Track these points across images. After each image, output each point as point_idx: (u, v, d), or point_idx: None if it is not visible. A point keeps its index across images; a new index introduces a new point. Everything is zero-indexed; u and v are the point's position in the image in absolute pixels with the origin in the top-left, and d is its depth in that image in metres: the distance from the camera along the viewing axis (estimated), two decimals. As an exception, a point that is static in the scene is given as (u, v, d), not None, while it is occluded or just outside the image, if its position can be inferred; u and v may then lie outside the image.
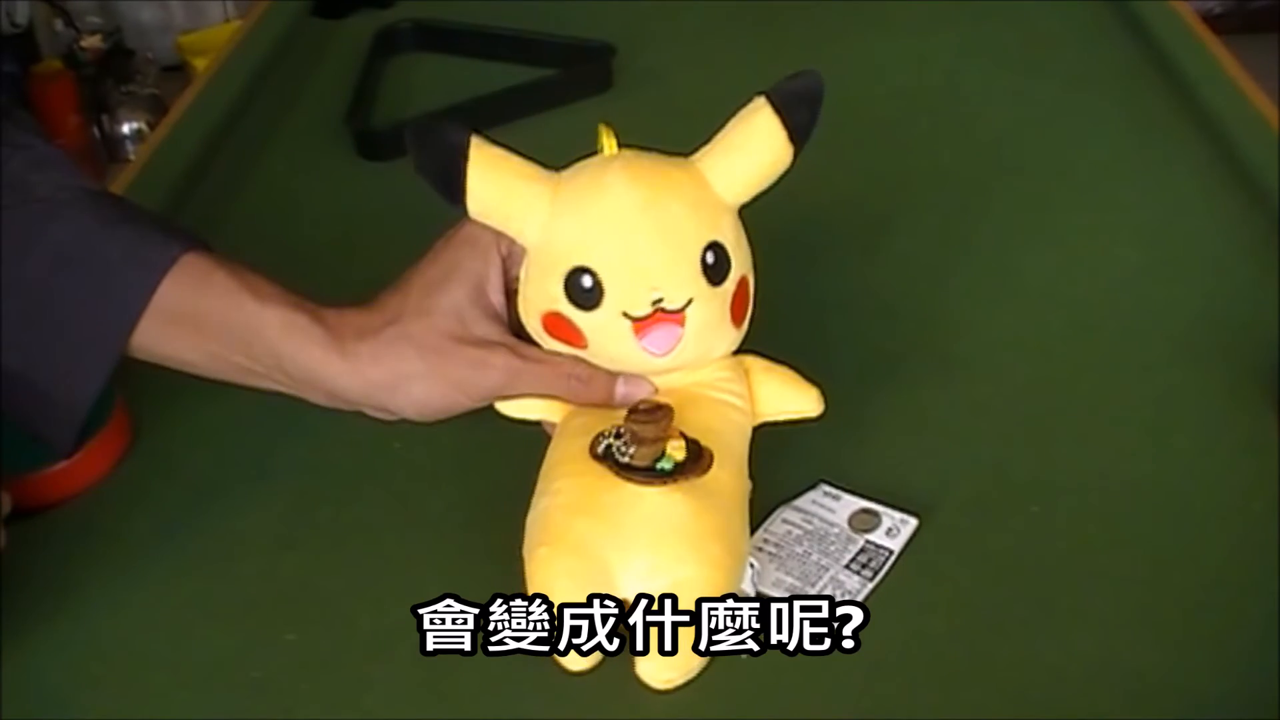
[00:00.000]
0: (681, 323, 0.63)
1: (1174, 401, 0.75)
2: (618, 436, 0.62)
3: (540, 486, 0.63)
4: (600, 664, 0.59)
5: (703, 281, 0.63)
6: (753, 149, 0.65)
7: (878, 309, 0.85)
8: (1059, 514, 0.68)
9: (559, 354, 0.66)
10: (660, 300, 0.63)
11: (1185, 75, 1.05)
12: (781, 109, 0.64)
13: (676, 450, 0.61)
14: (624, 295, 0.63)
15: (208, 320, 0.65)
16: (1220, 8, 2.90)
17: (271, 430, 0.76)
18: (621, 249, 0.63)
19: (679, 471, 0.60)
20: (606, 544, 0.59)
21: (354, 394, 0.66)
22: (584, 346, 0.65)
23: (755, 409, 0.67)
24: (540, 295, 0.65)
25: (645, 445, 0.60)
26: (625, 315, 0.63)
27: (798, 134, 0.64)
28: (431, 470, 0.73)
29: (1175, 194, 0.94)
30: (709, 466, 0.61)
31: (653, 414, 0.61)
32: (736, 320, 0.65)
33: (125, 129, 3.03)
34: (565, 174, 0.65)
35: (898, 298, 0.86)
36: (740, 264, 0.65)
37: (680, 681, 0.59)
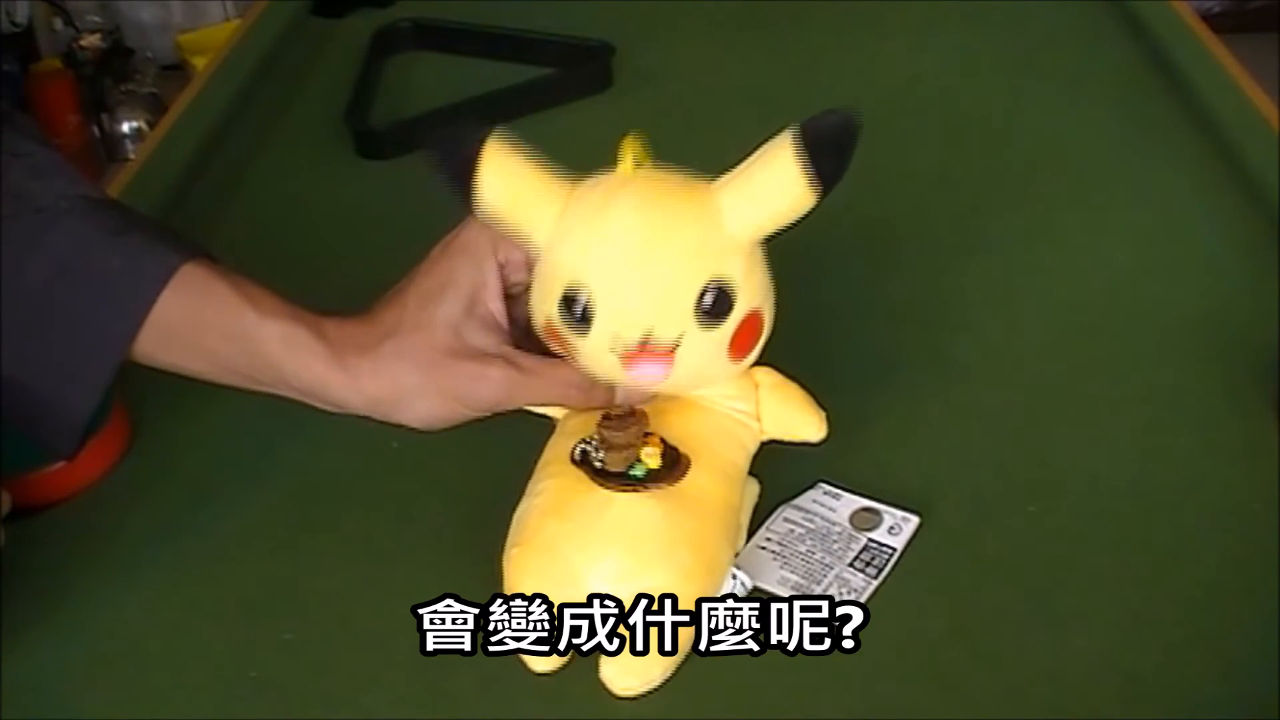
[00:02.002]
0: (670, 360, 0.62)
1: (1172, 402, 0.75)
2: (592, 441, 0.62)
3: (528, 487, 0.64)
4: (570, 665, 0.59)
5: (694, 321, 0.61)
6: (771, 189, 0.61)
7: (876, 309, 0.85)
8: (1057, 514, 0.68)
9: (557, 362, 0.66)
10: (648, 336, 0.61)
11: (1185, 75, 1.05)
12: (806, 151, 0.60)
13: (650, 457, 0.61)
14: (612, 327, 0.61)
15: (208, 332, 0.65)
16: (1219, 7, 2.90)
17: (270, 430, 0.76)
18: (614, 281, 0.61)
19: (651, 478, 0.60)
20: (576, 547, 0.60)
21: (356, 406, 0.66)
22: (578, 361, 0.65)
23: (761, 427, 0.66)
24: (540, 306, 0.65)
25: (616, 451, 0.60)
26: (612, 347, 0.62)
27: (820, 180, 0.60)
28: (430, 470, 0.73)
29: (1174, 194, 0.94)
30: (684, 474, 0.61)
31: (624, 420, 0.61)
32: (737, 353, 0.63)
33: (124, 128, 3.03)
34: (581, 187, 0.63)
35: (896, 298, 0.86)
36: (749, 299, 0.62)
37: (641, 690, 0.58)
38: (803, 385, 0.67)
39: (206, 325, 0.65)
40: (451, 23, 1.25)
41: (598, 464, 0.61)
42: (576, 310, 0.62)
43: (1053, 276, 0.87)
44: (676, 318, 0.61)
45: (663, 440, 0.61)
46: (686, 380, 0.64)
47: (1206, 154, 0.97)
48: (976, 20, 1.21)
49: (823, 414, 0.66)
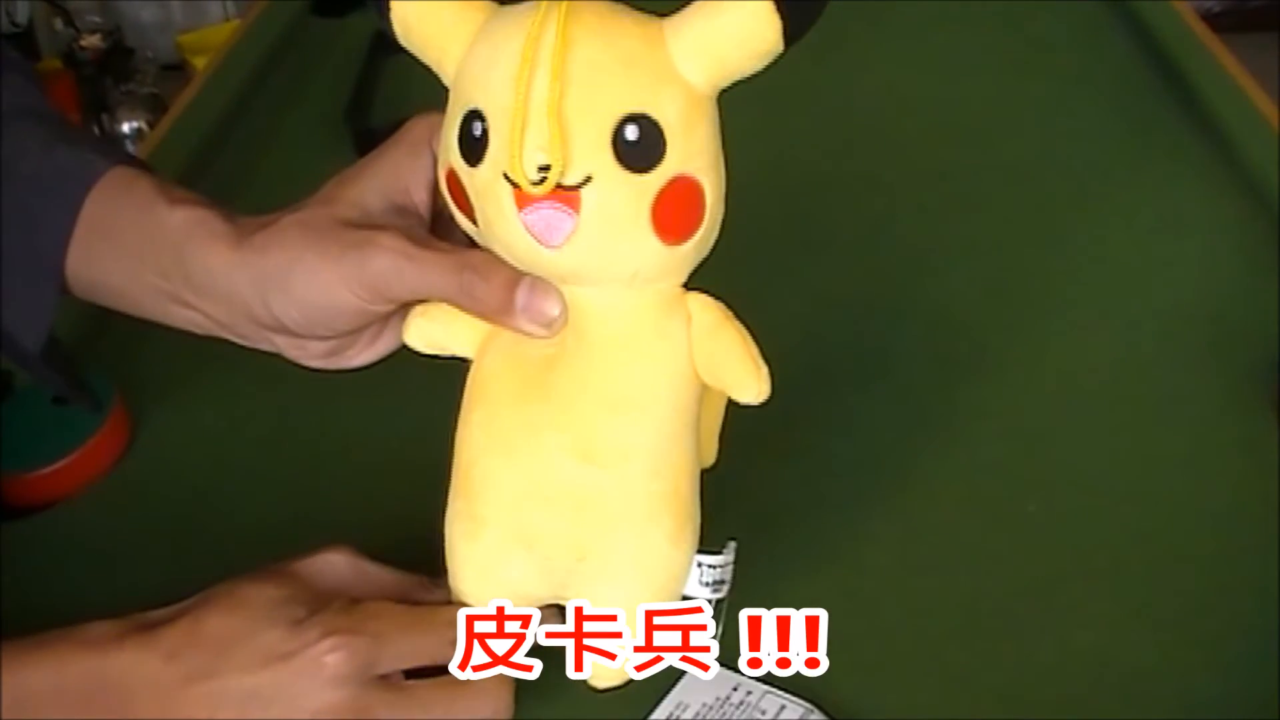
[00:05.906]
0: (575, 208, 0.50)
1: (1173, 401, 0.75)
2: None
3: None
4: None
5: (610, 157, 0.49)
6: (728, 16, 0.50)
7: (875, 308, 0.85)
8: (1056, 514, 0.68)
9: (458, 247, 0.57)
10: (547, 168, 0.49)
11: (1185, 75, 1.05)
12: None
13: None
14: (507, 153, 0.50)
15: (126, 231, 0.63)
16: (1219, 6, 2.90)
17: (270, 430, 0.76)
18: (516, 94, 0.50)
19: None
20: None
21: (244, 288, 0.60)
22: (472, 217, 0.55)
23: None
24: (445, 148, 0.55)
25: None
26: (506, 178, 0.51)
27: (788, 11, 0.49)
28: (431, 470, 0.73)
29: (1174, 194, 0.94)
30: None
31: None
32: (665, 232, 0.51)
33: (125, 128, 3.02)
34: (505, 7, 0.54)
35: (896, 297, 0.86)
36: (684, 158, 0.50)
37: (617, 683, 0.57)
38: (790, 375, 0.56)
39: (124, 225, 0.63)
40: (451, 22, 1.24)
41: None
42: (474, 135, 0.51)
43: (1051, 276, 0.87)
44: (585, 148, 0.49)
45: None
46: (597, 251, 0.51)
47: (1206, 154, 0.97)
48: (975, 20, 1.21)
49: (764, 370, 0.54)
